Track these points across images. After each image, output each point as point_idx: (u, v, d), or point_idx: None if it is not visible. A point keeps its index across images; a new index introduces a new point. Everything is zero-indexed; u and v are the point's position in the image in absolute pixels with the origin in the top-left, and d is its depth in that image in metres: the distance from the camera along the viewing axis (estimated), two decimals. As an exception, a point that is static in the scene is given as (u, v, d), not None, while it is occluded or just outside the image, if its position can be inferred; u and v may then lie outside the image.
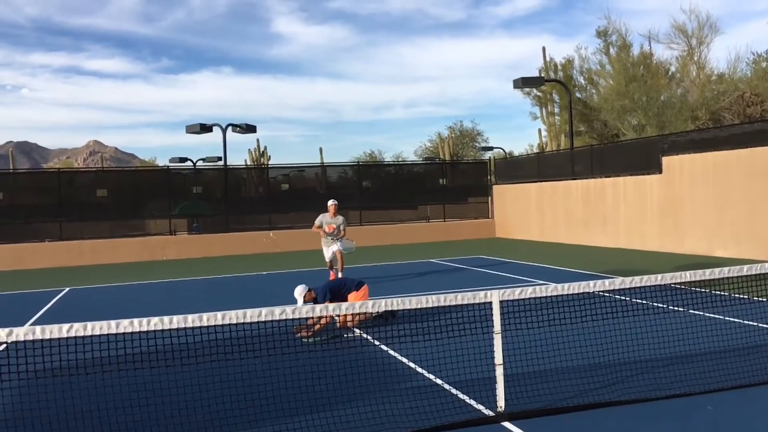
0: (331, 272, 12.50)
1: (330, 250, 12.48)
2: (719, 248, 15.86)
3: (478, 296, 5.14)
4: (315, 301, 8.20)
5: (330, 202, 12.55)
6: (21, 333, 4.31)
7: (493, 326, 5.12)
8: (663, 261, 15.21)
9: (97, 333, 4.39)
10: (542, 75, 33.10)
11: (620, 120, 31.49)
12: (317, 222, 12.49)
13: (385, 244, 23.88)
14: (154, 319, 4.49)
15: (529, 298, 5.23)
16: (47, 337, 4.33)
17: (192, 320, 4.54)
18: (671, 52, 32.44)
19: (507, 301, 5.23)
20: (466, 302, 5.10)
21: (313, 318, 7.93)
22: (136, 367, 5.00)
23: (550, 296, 5.31)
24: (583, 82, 34.96)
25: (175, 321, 4.52)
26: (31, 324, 10.08)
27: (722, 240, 15.88)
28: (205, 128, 26.98)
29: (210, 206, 24.64)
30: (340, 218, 12.52)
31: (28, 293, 14.20)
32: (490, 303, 5.15)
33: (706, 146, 16.68)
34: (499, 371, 5.10)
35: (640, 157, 18.91)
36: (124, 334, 4.47)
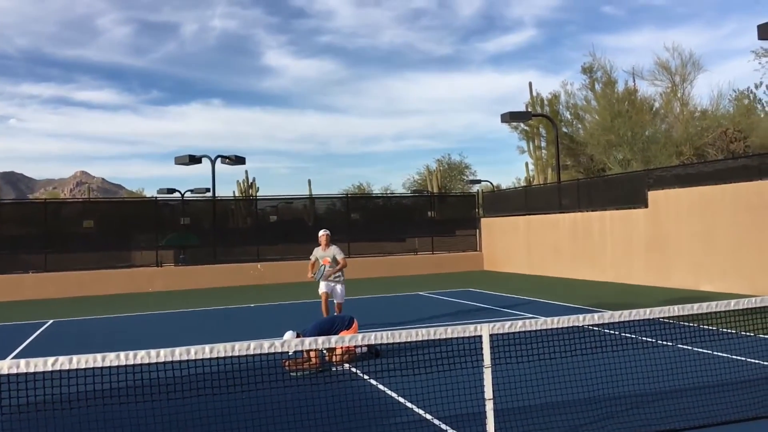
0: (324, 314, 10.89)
1: (326, 286, 10.97)
2: (706, 282, 15.95)
3: (468, 330, 5.12)
4: None
5: (320, 233, 11.11)
6: (5, 366, 4.24)
7: (483, 360, 5.10)
8: (650, 295, 15.26)
9: (83, 366, 4.32)
10: (529, 110, 33.52)
11: (606, 154, 31.88)
12: (312, 258, 11.18)
13: (373, 276, 23.81)
14: (141, 353, 4.43)
15: (519, 332, 5.22)
16: (32, 370, 4.26)
17: (179, 353, 4.49)
18: (655, 89, 33.04)
19: (497, 334, 5.22)
20: (455, 336, 5.08)
21: (303, 356, 7.88)
22: (121, 402, 4.92)
23: (540, 330, 5.30)
24: (569, 117, 35.50)
25: (162, 354, 4.46)
26: (14, 357, 9.91)
27: (708, 274, 15.98)
28: (194, 159, 26.98)
29: (198, 237, 24.51)
30: (332, 248, 10.99)
31: (10, 325, 13.98)
32: (480, 337, 5.13)
33: (691, 181, 16.89)
34: (489, 406, 5.07)
35: (626, 192, 19.10)
36: (110, 367, 4.40)
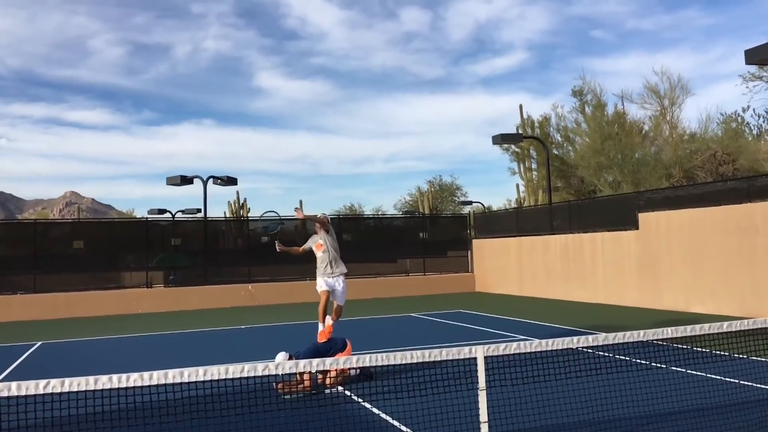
0: (320, 325, 9.47)
1: (327, 283, 9.54)
2: (697, 304, 16.01)
3: (463, 351, 5.11)
4: None
5: (319, 215, 9.95)
6: (-4, 389, 4.18)
7: (477, 383, 5.08)
8: (642, 317, 15.29)
9: (75, 389, 4.27)
10: (520, 132, 33.76)
11: (596, 176, 32.10)
12: (306, 245, 9.92)
13: (365, 297, 23.72)
14: (134, 375, 4.39)
15: (513, 354, 5.21)
16: (23, 393, 4.21)
17: (173, 376, 4.45)
18: (644, 112, 33.48)
19: (491, 356, 5.20)
20: (450, 358, 5.06)
21: (296, 378, 7.83)
22: (114, 425, 4.86)
23: (535, 352, 5.29)
24: (559, 139, 35.76)
25: (156, 377, 4.42)
26: (2, 380, 9.78)
27: (699, 296, 16.04)
28: (186, 180, 26.90)
29: (188, 258, 24.37)
30: (329, 234, 9.64)
31: (-2, 347, 13.81)
32: (475, 359, 5.12)
33: (681, 203, 17.02)
34: (484, 429, 5.04)
35: (616, 213, 19.21)
36: (102, 390, 4.35)
